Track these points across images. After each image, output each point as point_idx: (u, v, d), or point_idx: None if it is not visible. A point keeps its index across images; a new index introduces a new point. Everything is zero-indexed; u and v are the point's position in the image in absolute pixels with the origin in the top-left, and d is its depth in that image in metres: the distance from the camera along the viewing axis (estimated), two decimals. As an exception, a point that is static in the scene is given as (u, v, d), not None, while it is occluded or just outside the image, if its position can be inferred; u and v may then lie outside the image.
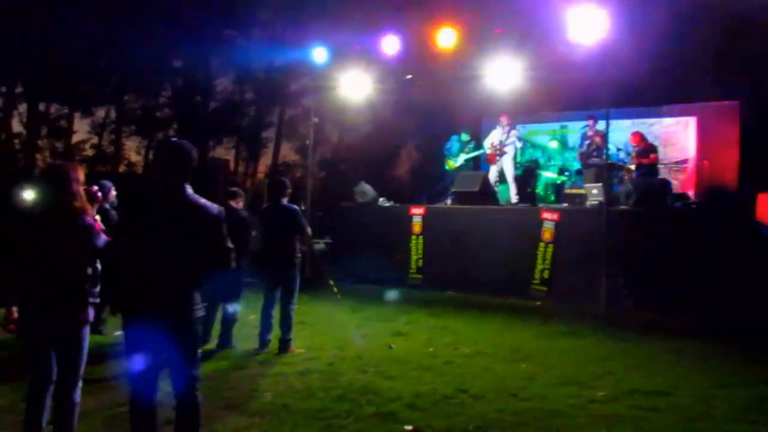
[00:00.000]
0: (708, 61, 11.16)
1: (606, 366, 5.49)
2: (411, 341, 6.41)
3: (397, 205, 11.04)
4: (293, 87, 17.03)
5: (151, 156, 23.55)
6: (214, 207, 3.14)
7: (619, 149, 10.65)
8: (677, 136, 12.59)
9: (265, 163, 24.01)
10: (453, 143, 12.12)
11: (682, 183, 12.05)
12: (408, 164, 16.20)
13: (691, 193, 11.62)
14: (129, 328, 3.03)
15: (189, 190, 3.09)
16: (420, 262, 10.11)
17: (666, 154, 11.91)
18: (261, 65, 17.96)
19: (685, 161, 12.13)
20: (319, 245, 11.11)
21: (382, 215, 10.73)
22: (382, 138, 13.85)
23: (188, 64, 21.65)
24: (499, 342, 6.39)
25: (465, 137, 12.02)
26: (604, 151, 9.14)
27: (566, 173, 12.54)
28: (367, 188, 10.99)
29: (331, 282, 8.74)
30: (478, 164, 12.86)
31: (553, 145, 13.72)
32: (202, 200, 3.12)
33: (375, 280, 9.91)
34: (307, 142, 10.68)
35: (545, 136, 14.24)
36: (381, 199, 11.07)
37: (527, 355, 5.86)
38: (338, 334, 6.60)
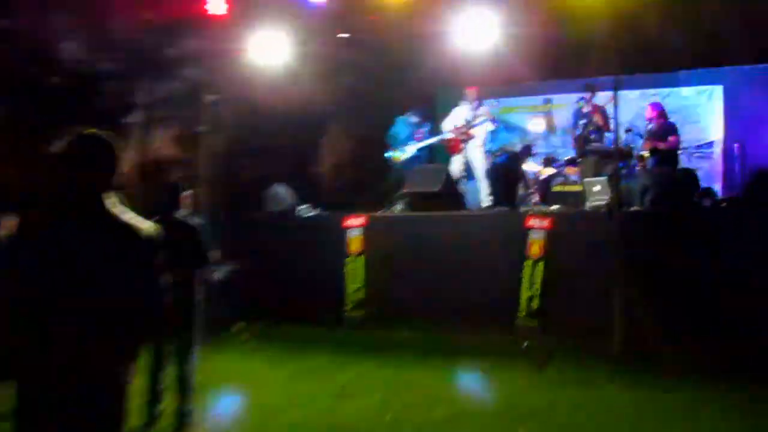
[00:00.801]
0: (738, 12, 11.55)
1: (635, 426, 5.54)
2: (361, 404, 6.37)
3: (326, 213, 11.05)
4: (173, 53, 16.58)
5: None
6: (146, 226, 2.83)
7: (628, 129, 10.89)
8: (698, 111, 13.02)
9: (128, 159, 23.45)
10: (400, 127, 12.19)
11: (706, 173, 12.48)
12: (340, 157, 16.05)
13: (717, 186, 12.05)
14: None
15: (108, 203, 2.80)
16: (360, 293, 10.05)
17: (684, 135, 12.29)
18: (125, 22, 17.44)
19: (708, 144, 12.55)
20: (218, 273, 10.91)
21: (305, 229, 10.66)
22: (304, 122, 13.71)
23: (17, 21, 20.93)
24: (485, 398, 6.41)
25: (415, 118, 12.10)
26: (609, 131, 9.34)
27: (555, 164, 12.78)
28: (281, 192, 10.91)
29: (239, 325, 8.56)
30: (435, 155, 12.95)
31: (536, 126, 13.96)
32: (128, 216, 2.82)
33: (298, 318, 9.87)
34: (201, 129, 10.43)
35: (525, 114, 14.49)
36: (302, 207, 11.02)
37: (526, 413, 5.89)
38: (258, 399, 6.51)
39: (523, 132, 14.34)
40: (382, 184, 12.12)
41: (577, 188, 11.24)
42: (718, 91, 12.98)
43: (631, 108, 11.75)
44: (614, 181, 7.97)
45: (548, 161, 13.03)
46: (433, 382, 7.08)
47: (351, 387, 6.92)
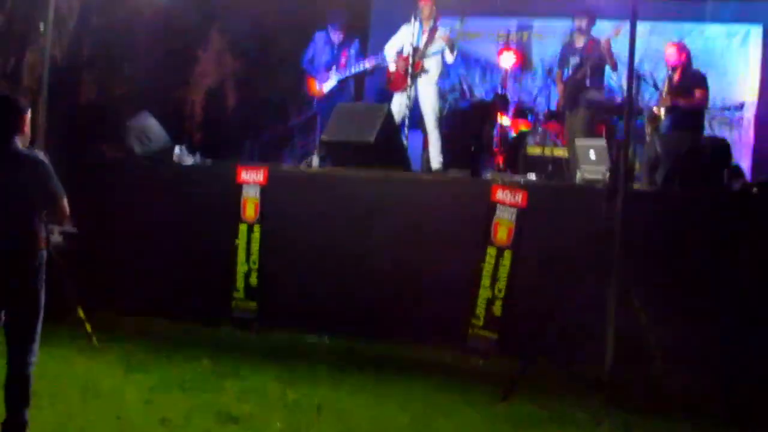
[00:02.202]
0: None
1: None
2: (256, 435, 6.37)
3: (212, 162, 11.02)
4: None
5: None
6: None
7: (639, 76, 11.02)
8: (727, 59, 13.36)
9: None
10: (318, 48, 12.24)
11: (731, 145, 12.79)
12: (231, 87, 15.73)
13: (745, 164, 12.35)
14: None
15: None
16: (254, 278, 10.07)
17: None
18: None
19: (739, 106, 12.85)
20: (54, 237, 10.73)
21: (182, 182, 10.59)
22: (180, 31, 13.52)
23: None
24: (428, 437, 6.46)
25: (338, 35, 12.13)
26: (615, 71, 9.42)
27: (530, 117, 12.94)
28: (152, 127, 10.83)
29: (81, 313, 8.63)
30: (362, 89, 12.95)
31: (506, 61, 14.06)
32: None
33: (164, 308, 9.95)
34: (41, 29, 10.19)
35: (489, 43, 14.57)
36: (178, 150, 10.90)
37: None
38: (109, 423, 6.47)
39: (487, 68, 14.46)
40: (295, 124, 12.09)
41: (560, 153, 11.42)
42: (756, 32, 13.27)
43: (638, 47, 11.93)
44: (624, 147, 8.02)
45: (520, 113, 13.19)
46: (354, 407, 7.09)
47: (240, 408, 6.90)
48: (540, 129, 12.57)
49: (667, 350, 7.49)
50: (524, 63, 14.36)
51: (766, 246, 8.32)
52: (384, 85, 11.95)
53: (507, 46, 14.19)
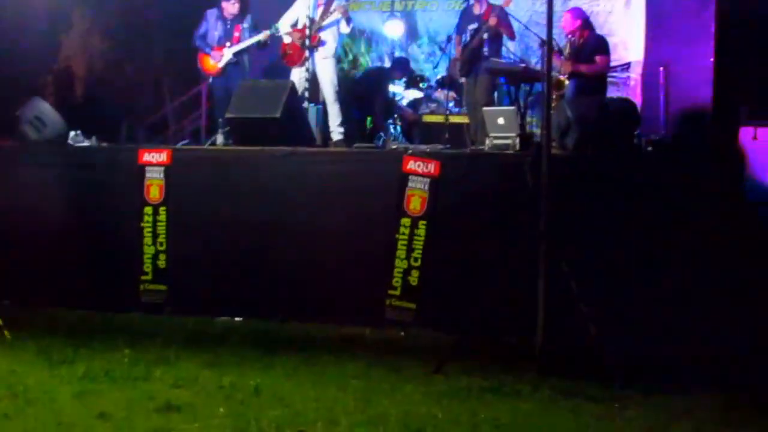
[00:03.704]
0: None
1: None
2: (202, 423, 6.18)
3: (110, 146, 10.93)
4: None
5: None
6: None
7: (544, 42, 11.10)
8: (612, 20, 13.59)
9: None
10: (210, 24, 12.13)
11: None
12: (84, 65, 15.49)
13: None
14: None
15: None
16: (162, 260, 9.95)
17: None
18: None
19: (626, 66, 13.07)
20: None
21: (81, 167, 10.38)
22: (44, 16, 13.25)
23: None
24: (376, 415, 6.39)
25: (232, 10, 11.96)
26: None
27: (423, 85, 12.95)
28: (46, 112, 10.61)
29: None
30: (256, 65, 12.81)
31: (393, 30, 14.06)
32: None
33: (75, 298, 9.88)
34: None
35: (373, 13, 14.56)
36: (73, 134, 10.76)
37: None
38: (45, 416, 6.25)
39: (372, 38, 14.45)
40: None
41: (460, 119, 11.47)
42: (637, -5, 13.49)
43: (536, 14, 12.09)
44: (546, 113, 8.07)
45: (413, 81, 13.20)
46: (293, 390, 6.96)
47: (179, 396, 6.71)
48: (434, 96, 12.59)
49: (599, 317, 7.54)
50: (410, 32, 14.37)
51: (679, 202, 8.53)
52: (279, 59, 11.84)
53: (391, 16, 14.19)
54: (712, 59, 12.83)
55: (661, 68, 12.85)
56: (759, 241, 8.36)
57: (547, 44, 7.83)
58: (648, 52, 13.28)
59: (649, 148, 10.30)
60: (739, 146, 9.27)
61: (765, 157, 9.10)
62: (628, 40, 13.41)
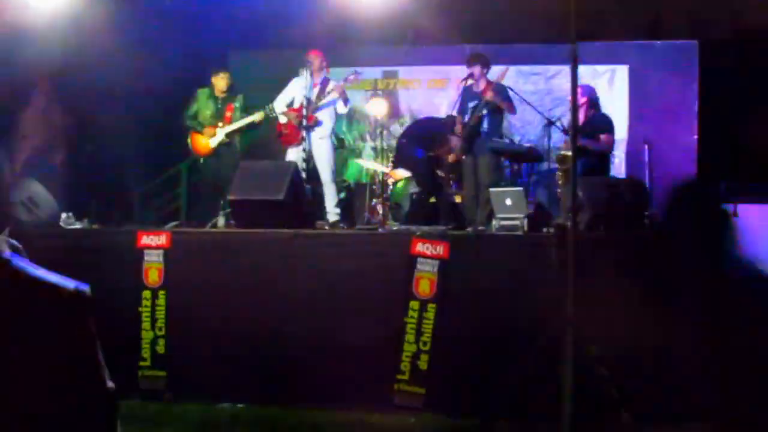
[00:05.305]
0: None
1: None
2: None
3: (106, 228, 10.83)
4: None
5: None
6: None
7: (551, 122, 11.19)
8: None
9: None
10: (202, 102, 12.07)
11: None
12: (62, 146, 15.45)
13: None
14: None
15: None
16: (161, 346, 9.73)
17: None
18: None
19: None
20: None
21: (76, 249, 10.07)
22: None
23: None
24: None
25: (221, 84, 12.00)
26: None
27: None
28: (39, 193, 10.49)
29: None
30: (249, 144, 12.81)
31: (376, 108, 14.10)
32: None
33: None
34: None
35: (355, 92, 14.57)
36: (65, 216, 10.67)
37: None
38: None
39: (353, 116, 14.52)
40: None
41: (457, 196, 11.47)
42: (621, 72, 13.70)
43: (541, 91, 12.23)
44: (572, 193, 8.03)
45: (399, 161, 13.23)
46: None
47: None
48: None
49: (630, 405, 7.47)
50: (393, 110, 14.46)
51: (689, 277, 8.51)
52: (273, 139, 11.84)
53: (374, 95, 14.29)
54: (695, 136, 13.00)
55: (646, 145, 12.95)
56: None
57: (572, 118, 7.83)
58: (632, 129, 13.39)
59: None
60: (726, 221, 9.34)
61: (746, 233, 9.14)
62: (611, 118, 13.48)
